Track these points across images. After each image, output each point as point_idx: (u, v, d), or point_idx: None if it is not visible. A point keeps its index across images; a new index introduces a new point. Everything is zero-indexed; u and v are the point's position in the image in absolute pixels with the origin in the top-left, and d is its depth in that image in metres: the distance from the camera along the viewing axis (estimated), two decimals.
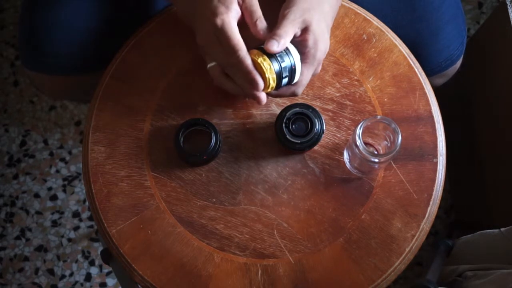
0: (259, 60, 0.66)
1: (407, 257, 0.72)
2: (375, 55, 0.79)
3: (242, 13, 0.67)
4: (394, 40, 0.80)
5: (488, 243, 0.86)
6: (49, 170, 1.42)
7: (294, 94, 0.72)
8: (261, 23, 0.67)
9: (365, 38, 0.80)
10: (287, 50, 0.67)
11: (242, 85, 0.68)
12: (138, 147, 0.76)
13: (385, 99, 0.77)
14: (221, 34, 0.64)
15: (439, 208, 0.77)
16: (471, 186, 1.26)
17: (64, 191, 1.41)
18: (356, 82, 0.78)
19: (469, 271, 0.84)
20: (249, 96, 0.70)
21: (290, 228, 0.74)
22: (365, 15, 0.80)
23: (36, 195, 1.41)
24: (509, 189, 1.03)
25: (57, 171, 1.42)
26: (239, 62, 0.65)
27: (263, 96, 0.69)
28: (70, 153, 1.43)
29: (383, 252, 0.72)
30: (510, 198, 1.03)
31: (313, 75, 0.72)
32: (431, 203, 0.74)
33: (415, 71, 0.79)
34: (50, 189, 1.41)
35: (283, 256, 0.73)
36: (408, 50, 0.80)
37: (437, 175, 0.75)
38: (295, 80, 0.69)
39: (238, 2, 0.66)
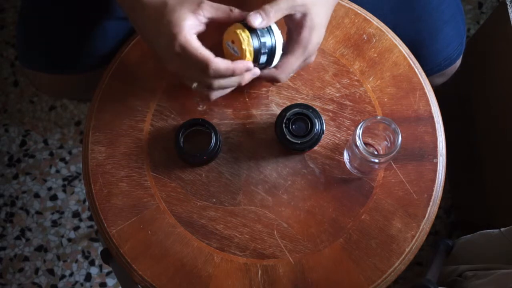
0: (238, 31, 0.64)
1: (407, 258, 0.72)
2: (375, 55, 0.79)
3: (210, 20, 0.65)
4: (394, 40, 0.80)
5: (488, 243, 0.85)
6: (49, 170, 1.42)
7: (276, 80, 0.69)
8: (235, 10, 0.64)
9: (365, 38, 0.79)
10: (270, 30, 0.66)
11: (233, 84, 0.66)
12: (138, 147, 0.76)
13: (385, 99, 0.77)
14: (185, 55, 0.62)
15: (439, 208, 0.77)
16: (471, 186, 1.26)
17: (64, 191, 1.41)
18: (356, 82, 0.78)
19: (469, 271, 0.84)
20: (244, 82, 0.67)
21: (290, 228, 0.74)
22: (365, 15, 0.80)
23: (36, 195, 1.41)
24: (509, 189, 1.03)
25: (57, 171, 1.42)
26: (216, 70, 0.62)
27: (250, 73, 0.66)
28: (70, 153, 1.43)
29: (383, 253, 0.72)
30: (510, 198, 1.03)
31: (302, 66, 0.71)
32: (431, 203, 0.74)
33: (415, 72, 0.79)
34: (50, 189, 1.41)
35: (283, 257, 0.73)
36: (408, 50, 0.80)
37: (437, 176, 0.75)
38: (273, 63, 0.68)
39: (198, 14, 0.63)
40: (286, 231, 0.74)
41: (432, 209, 0.74)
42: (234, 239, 0.73)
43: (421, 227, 0.73)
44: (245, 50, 0.64)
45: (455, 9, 0.92)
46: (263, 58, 0.66)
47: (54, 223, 1.39)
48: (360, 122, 0.67)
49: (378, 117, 0.68)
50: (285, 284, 0.72)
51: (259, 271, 0.72)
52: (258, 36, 0.64)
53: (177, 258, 0.73)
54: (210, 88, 0.66)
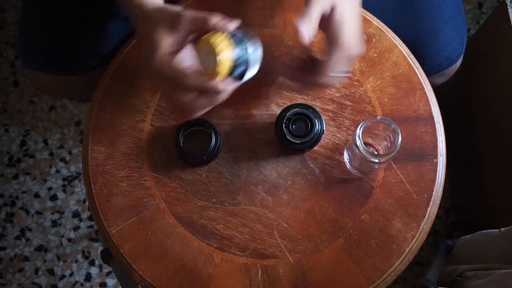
0: (213, 40, 0.60)
1: (407, 258, 0.72)
2: (375, 55, 0.79)
3: (190, 32, 0.63)
4: (394, 40, 0.80)
5: (488, 243, 0.85)
6: (49, 170, 1.42)
7: (317, 84, 0.67)
8: (213, 20, 0.61)
9: (365, 38, 0.79)
10: (246, 42, 0.63)
11: (208, 104, 0.64)
12: (138, 147, 0.76)
13: (385, 99, 0.77)
14: (161, 72, 0.61)
15: (439, 208, 0.77)
16: (471, 186, 1.26)
17: (64, 191, 1.41)
18: (356, 82, 0.78)
19: (469, 271, 0.84)
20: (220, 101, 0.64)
21: (290, 228, 0.74)
22: (365, 15, 0.80)
23: (36, 195, 1.41)
24: (509, 189, 1.03)
25: (57, 171, 1.42)
26: (190, 87, 0.61)
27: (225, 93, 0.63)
28: (70, 153, 1.43)
29: (383, 253, 0.72)
30: (510, 198, 1.03)
31: (347, 63, 0.66)
32: (431, 203, 0.74)
33: (415, 72, 0.79)
34: (50, 189, 1.41)
35: (283, 257, 0.73)
36: (408, 50, 0.80)
37: (437, 176, 0.75)
38: (248, 77, 0.64)
39: (175, 30, 0.62)
40: (286, 231, 0.74)
41: (432, 209, 0.74)
42: (234, 239, 0.73)
43: (421, 227, 0.73)
44: (220, 62, 0.60)
45: (456, 9, 0.92)
46: (238, 71, 0.63)
47: (54, 223, 1.39)
48: (360, 122, 0.67)
49: (378, 117, 0.68)
50: (285, 284, 0.72)
51: (259, 271, 0.72)
52: (234, 47, 0.61)
53: (177, 258, 0.73)
54: (186, 105, 0.64)
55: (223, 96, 0.63)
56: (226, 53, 0.61)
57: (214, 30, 0.61)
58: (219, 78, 0.61)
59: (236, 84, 0.64)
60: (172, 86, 0.63)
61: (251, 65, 0.64)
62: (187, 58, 0.63)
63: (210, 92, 0.62)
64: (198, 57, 0.63)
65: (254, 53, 0.64)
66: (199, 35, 0.63)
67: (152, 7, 0.64)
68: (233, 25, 0.61)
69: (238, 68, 0.63)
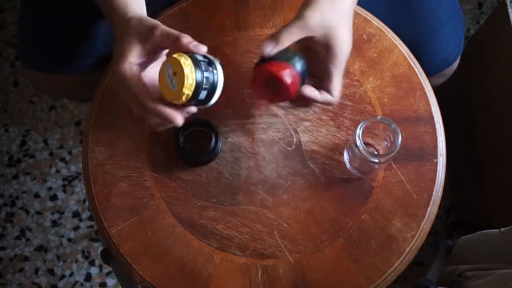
0: (181, 60, 0.59)
1: (407, 257, 0.72)
2: (375, 55, 0.79)
3: (161, 47, 0.64)
4: (394, 40, 0.80)
5: (488, 243, 0.85)
6: (49, 170, 1.42)
7: (331, 104, 0.69)
8: (185, 39, 0.62)
9: (365, 38, 0.79)
10: (214, 66, 0.63)
11: (166, 123, 0.64)
12: (138, 147, 0.76)
13: (385, 99, 0.77)
14: (123, 84, 0.62)
15: (439, 208, 0.77)
16: (471, 186, 1.26)
17: (64, 191, 1.41)
18: (356, 83, 0.78)
19: (469, 271, 0.84)
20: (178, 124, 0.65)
21: (290, 228, 0.74)
22: (365, 15, 0.80)
23: (36, 195, 1.41)
24: (509, 189, 1.03)
25: (57, 171, 1.42)
26: (147, 108, 0.62)
27: (178, 116, 0.63)
28: (70, 153, 1.43)
29: (383, 253, 0.72)
30: (510, 198, 1.03)
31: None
32: (431, 203, 0.74)
33: (415, 71, 0.79)
34: (50, 189, 1.41)
35: (283, 257, 0.73)
36: (408, 50, 0.80)
37: (437, 175, 0.75)
38: (212, 101, 0.65)
39: (147, 42, 0.63)
40: (286, 231, 0.74)
41: (432, 209, 0.74)
42: (234, 239, 0.73)
43: (421, 227, 0.73)
44: (186, 81, 0.60)
45: (453, 10, 0.92)
46: (202, 94, 0.62)
47: (54, 223, 1.39)
48: (360, 122, 0.67)
49: (378, 117, 0.68)
50: (285, 284, 0.72)
51: (259, 271, 0.72)
52: (201, 70, 0.61)
53: (177, 258, 0.73)
54: (142, 118, 0.65)
55: (177, 121, 0.62)
56: (192, 75, 0.60)
57: (185, 49, 0.61)
58: (181, 100, 0.61)
59: (192, 109, 0.64)
60: (129, 97, 0.63)
61: (216, 89, 0.64)
62: (153, 74, 0.64)
63: (161, 116, 0.62)
64: (164, 75, 0.62)
65: (220, 78, 0.63)
66: (170, 53, 0.63)
67: (131, 16, 0.65)
68: (203, 48, 0.62)
69: (202, 91, 0.62)
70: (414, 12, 0.88)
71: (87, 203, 1.39)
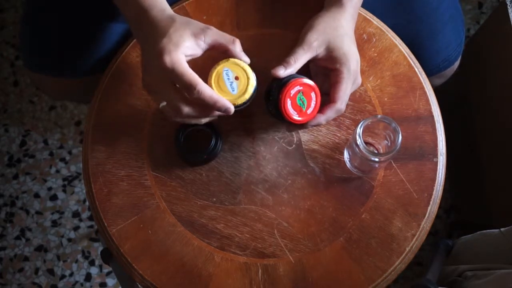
0: (247, 68, 0.66)
1: (408, 257, 0.72)
2: (375, 54, 0.79)
3: (210, 47, 0.67)
4: (394, 40, 0.80)
5: (488, 243, 0.86)
6: (49, 170, 1.42)
7: (340, 112, 0.71)
8: (237, 43, 0.67)
9: (365, 38, 0.80)
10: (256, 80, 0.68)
11: (200, 117, 0.67)
12: (138, 147, 0.76)
13: (385, 99, 0.77)
14: (173, 72, 0.62)
15: (439, 208, 0.77)
16: (471, 186, 1.26)
17: (64, 191, 1.41)
18: None
19: (469, 271, 0.84)
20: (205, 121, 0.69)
21: (291, 227, 0.74)
22: (365, 15, 0.80)
23: (36, 195, 1.41)
24: (509, 189, 1.03)
25: (57, 171, 1.42)
26: (200, 92, 0.63)
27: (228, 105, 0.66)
28: (70, 153, 1.43)
29: (383, 252, 0.72)
30: (510, 198, 1.03)
31: (355, 88, 0.72)
32: (431, 202, 0.74)
33: (415, 71, 0.79)
34: (50, 189, 1.41)
35: (283, 256, 0.73)
36: (408, 50, 0.80)
37: (437, 175, 0.75)
38: (243, 107, 0.69)
39: (199, 38, 0.65)
40: (286, 230, 0.74)
41: (432, 208, 0.74)
42: (235, 238, 0.73)
43: (421, 226, 0.73)
44: (249, 87, 0.66)
45: (454, 11, 0.92)
46: (244, 105, 0.67)
47: (54, 223, 1.39)
48: (361, 121, 0.67)
49: (379, 116, 0.68)
50: (285, 283, 0.72)
51: (260, 270, 0.72)
52: (255, 84, 0.67)
53: (178, 258, 0.73)
54: (178, 112, 0.65)
55: (232, 110, 0.66)
56: (254, 83, 0.67)
57: (236, 55, 0.67)
58: (236, 103, 0.66)
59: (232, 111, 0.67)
60: (170, 86, 0.64)
61: (252, 98, 0.68)
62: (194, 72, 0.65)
63: (214, 108, 0.65)
64: (220, 77, 0.67)
65: (254, 84, 0.68)
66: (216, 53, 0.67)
67: (172, 14, 0.66)
68: (247, 59, 0.67)
69: (246, 102, 0.67)
70: (415, 12, 0.87)
71: (87, 203, 1.39)
